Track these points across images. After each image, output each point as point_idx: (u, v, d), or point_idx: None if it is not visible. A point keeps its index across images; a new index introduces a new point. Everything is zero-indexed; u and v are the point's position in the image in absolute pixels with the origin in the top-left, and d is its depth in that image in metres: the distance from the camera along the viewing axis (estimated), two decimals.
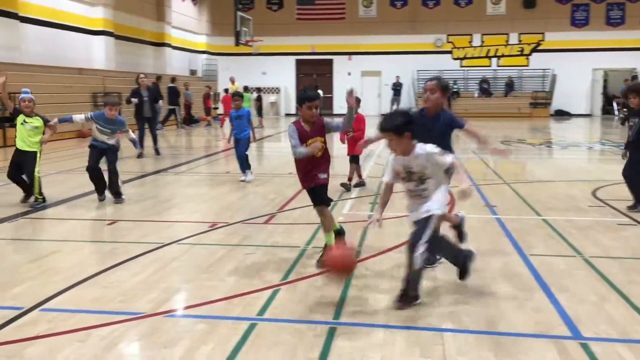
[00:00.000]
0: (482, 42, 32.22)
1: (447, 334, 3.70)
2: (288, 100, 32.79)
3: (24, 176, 7.67)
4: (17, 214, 7.19)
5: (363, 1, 32.67)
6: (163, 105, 13.38)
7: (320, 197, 5.12)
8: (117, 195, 8.00)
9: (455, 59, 32.47)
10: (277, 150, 16.43)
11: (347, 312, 4.06)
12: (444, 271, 4.88)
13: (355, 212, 7.47)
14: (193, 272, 5.02)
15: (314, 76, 33.25)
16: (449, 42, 32.33)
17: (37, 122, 7.66)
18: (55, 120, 7.82)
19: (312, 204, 5.23)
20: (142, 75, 13.54)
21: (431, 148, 4.15)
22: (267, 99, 31.23)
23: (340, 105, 32.97)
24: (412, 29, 31.96)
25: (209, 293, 4.45)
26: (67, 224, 6.86)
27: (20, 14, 17.46)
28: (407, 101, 31.71)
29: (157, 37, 27.30)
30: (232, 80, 25.04)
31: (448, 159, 4.17)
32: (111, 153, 8.04)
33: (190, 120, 24.33)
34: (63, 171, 10.95)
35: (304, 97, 5.02)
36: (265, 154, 15.72)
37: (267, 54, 31.26)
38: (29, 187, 7.68)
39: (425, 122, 4.93)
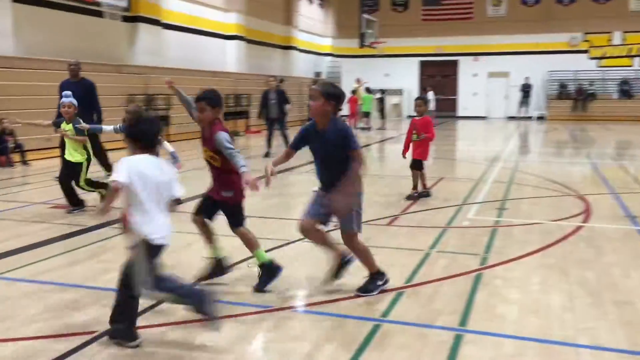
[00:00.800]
0: (624, 40, 29.96)
1: (583, 350, 3.49)
2: (410, 102, 32.44)
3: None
4: None
5: (492, 0, 31.61)
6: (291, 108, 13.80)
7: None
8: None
9: (592, 58, 30.47)
10: (399, 152, 16.33)
11: (474, 320, 3.96)
12: (579, 284, 4.61)
13: (482, 218, 7.26)
14: (318, 269, 5.12)
15: (437, 78, 32.70)
16: (585, 40, 30.41)
17: (70, 129, 7.15)
18: (86, 126, 7.22)
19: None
20: (271, 78, 14.06)
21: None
22: (390, 100, 31.15)
23: (464, 107, 32.17)
24: (545, 28, 30.41)
25: (333, 291, 4.53)
26: None
27: (163, 21, 18.79)
28: (536, 103, 30.27)
29: (285, 40, 28.21)
30: (358, 81, 25.14)
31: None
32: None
33: None
34: (198, 168, 11.59)
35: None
36: (388, 155, 15.71)
37: (390, 55, 31.21)
38: (74, 199, 7.32)
39: (315, 136, 4.29)
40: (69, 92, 7.26)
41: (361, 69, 32.06)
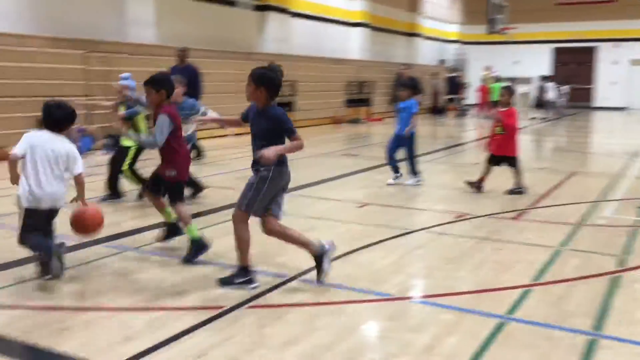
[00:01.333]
0: None
1: None
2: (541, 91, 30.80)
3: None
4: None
5: None
6: (422, 97, 13.48)
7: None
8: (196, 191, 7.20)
9: None
10: (530, 143, 15.56)
11: (611, 324, 3.68)
12: None
13: (620, 216, 6.72)
14: (439, 261, 5.01)
15: (571, 65, 30.71)
16: None
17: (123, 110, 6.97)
18: (122, 113, 6.95)
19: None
20: (403, 66, 13.85)
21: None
22: (519, 89, 29.72)
23: (601, 97, 29.98)
24: None
25: (454, 284, 4.40)
26: (324, 204, 7.37)
27: (291, 10, 19.21)
28: None
29: (410, 27, 27.77)
30: (487, 69, 24.24)
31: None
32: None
33: (438, 110, 24.37)
34: (319, 154, 11.79)
35: None
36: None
37: (520, 42, 29.73)
38: (112, 186, 7.13)
39: (254, 113, 4.27)
40: (126, 74, 7.06)
41: (489, 56, 30.82)
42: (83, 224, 4.38)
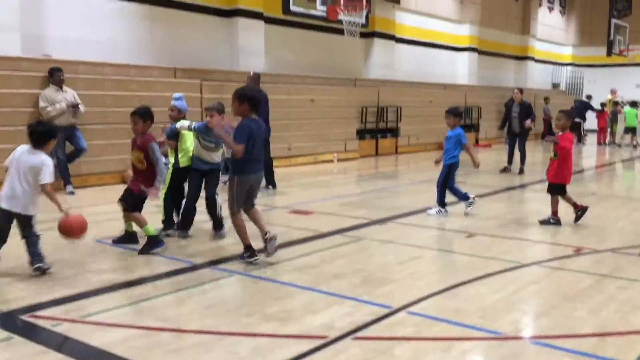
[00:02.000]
0: None
1: None
2: None
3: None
4: (386, 217, 7.83)
5: None
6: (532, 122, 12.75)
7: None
8: (218, 226, 6.57)
9: None
10: None
11: None
12: None
13: None
14: (556, 298, 4.67)
15: None
16: None
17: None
18: (163, 137, 6.50)
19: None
20: (516, 90, 13.32)
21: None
22: None
23: None
24: None
25: (575, 324, 4.07)
26: (429, 232, 7.17)
27: (397, 36, 19.21)
28: None
29: (520, 50, 26.88)
30: (613, 92, 22.86)
31: None
32: (213, 176, 6.49)
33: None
34: (424, 181, 11.56)
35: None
36: (638, 175, 13.95)
37: None
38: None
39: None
40: (178, 95, 6.79)
41: (607, 79, 29.15)
42: (69, 230, 5.06)
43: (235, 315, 4.20)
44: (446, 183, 7.98)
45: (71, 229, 5.06)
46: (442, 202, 8.04)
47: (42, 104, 9.19)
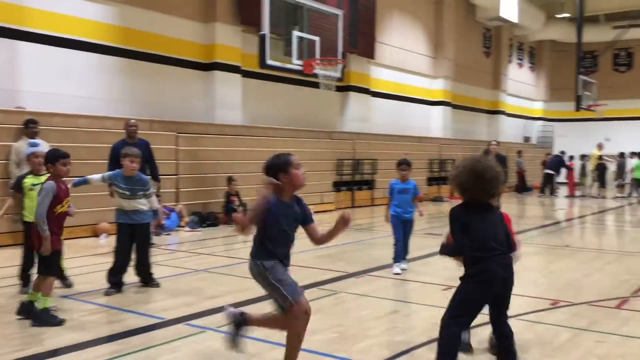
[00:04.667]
0: None
1: None
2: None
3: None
4: (362, 270, 7.75)
5: None
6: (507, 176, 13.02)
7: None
8: (148, 279, 6.62)
9: None
10: (624, 224, 14.65)
11: None
12: None
13: None
14: (537, 353, 4.61)
15: None
16: None
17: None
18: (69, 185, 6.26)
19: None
20: (494, 142, 13.52)
21: None
22: (611, 167, 28.45)
23: None
24: None
25: None
26: (407, 285, 7.10)
27: (372, 89, 19.57)
28: None
29: (492, 104, 27.58)
30: (600, 147, 23.47)
31: None
32: (143, 230, 6.43)
33: (523, 189, 23.66)
34: None
35: (59, 154, 5.26)
36: (610, 227, 14.15)
37: (612, 118, 28.75)
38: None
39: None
40: (36, 141, 7.53)
41: (576, 133, 30.02)
42: None
43: None
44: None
45: None
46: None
47: (12, 157, 9.27)
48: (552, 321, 5.48)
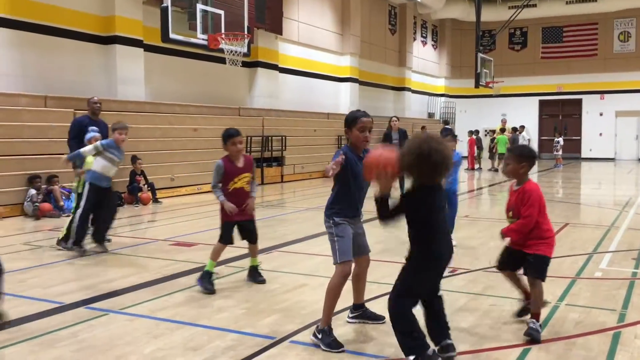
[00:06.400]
0: None
1: None
2: (530, 143, 31.23)
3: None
4: (271, 246, 7.79)
5: (619, 35, 29.92)
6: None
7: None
8: (103, 240, 7.50)
9: None
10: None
11: None
12: None
13: (616, 269, 6.60)
14: None
15: (559, 117, 31.25)
16: None
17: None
18: (64, 158, 7.65)
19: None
20: (394, 118, 13.91)
21: None
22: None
23: (590, 148, 30.38)
24: None
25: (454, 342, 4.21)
26: (313, 259, 7.21)
27: (280, 66, 19.48)
28: None
29: (398, 81, 28.25)
30: (504, 122, 24.71)
31: None
32: (113, 193, 7.47)
33: None
34: (308, 209, 11.69)
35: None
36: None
37: (507, 95, 30.29)
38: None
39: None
40: (95, 128, 7.77)
41: (476, 109, 31.42)
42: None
43: (108, 358, 3.95)
44: None
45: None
46: None
47: None
48: (452, 288, 5.76)
